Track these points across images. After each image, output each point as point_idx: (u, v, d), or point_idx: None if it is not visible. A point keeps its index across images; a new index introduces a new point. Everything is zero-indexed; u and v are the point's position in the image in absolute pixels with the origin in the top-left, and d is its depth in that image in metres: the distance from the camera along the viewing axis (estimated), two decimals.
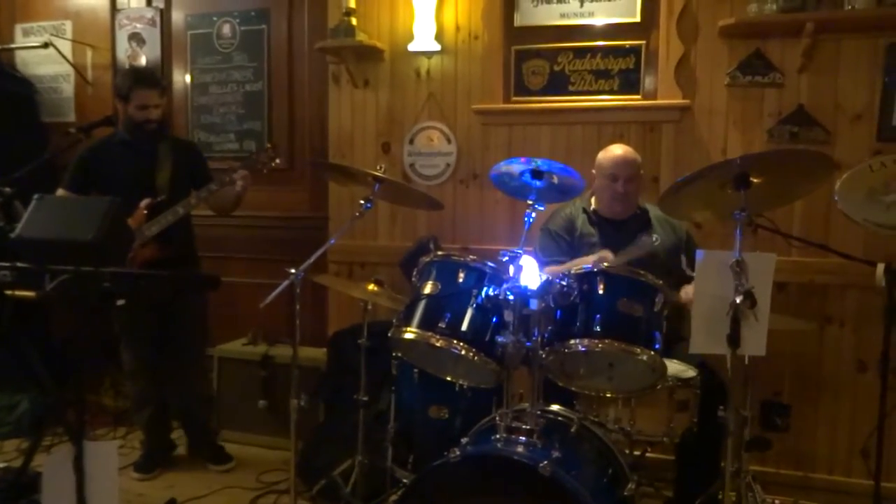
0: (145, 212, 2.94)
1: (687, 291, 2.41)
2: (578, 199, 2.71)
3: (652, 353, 1.95)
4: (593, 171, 2.71)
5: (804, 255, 2.88)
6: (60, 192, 3.02)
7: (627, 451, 2.29)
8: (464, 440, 2.02)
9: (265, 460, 3.34)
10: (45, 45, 4.16)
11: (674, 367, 2.20)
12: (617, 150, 2.68)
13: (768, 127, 3.00)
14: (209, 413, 3.47)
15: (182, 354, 3.22)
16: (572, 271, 2.03)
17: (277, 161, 3.13)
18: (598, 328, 1.96)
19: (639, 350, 1.95)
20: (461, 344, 2.03)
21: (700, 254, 1.91)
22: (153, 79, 3.10)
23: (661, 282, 2.03)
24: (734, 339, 1.78)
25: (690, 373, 2.22)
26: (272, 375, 3.47)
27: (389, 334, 2.17)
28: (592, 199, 2.76)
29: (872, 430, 2.51)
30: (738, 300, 1.76)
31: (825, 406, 3.01)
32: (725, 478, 1.94)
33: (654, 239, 2.65)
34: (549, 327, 2.00)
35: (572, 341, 1.97)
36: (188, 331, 3.22)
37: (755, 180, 1.89)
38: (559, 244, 2.70)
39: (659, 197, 2.25)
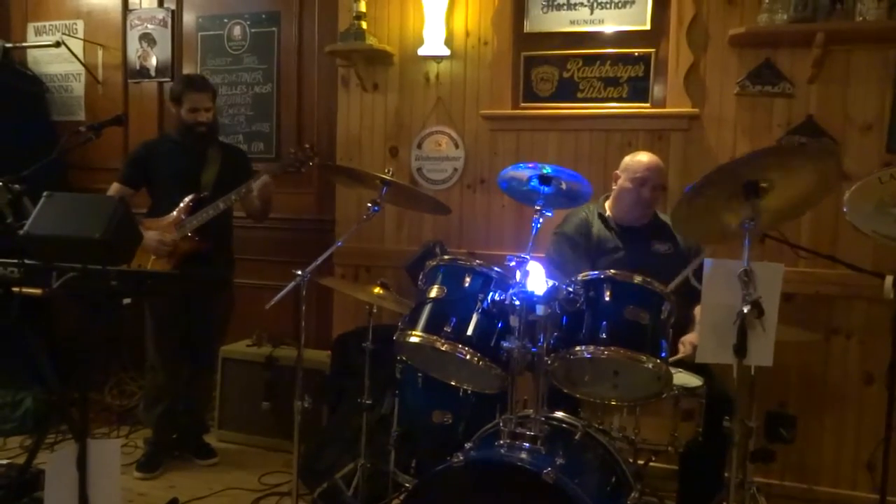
0: (191, 204, 3.08)
1: (684, 343, 2.38)
2: (592, 205, 2.70)
3: (658, 361, 1.94)
4: (616, 172, 2.68)
5: (812, 265, 2.87)
6: (115, 185, 3.18)
7: (631, 460, 2.27)
8: (467, 445, 2.01)
9: (267, 462, 3.33)
10: (57, 44, 4.19)
11: (679, 376, 2.19)
12: (643, 157, 2.65)
13: (777, 137, 2.99)
14: (206, 410, 3.53)
15: (202, 350, 3.32)
16: None
17: (315, 160, 3.20)
18: (603, 335, 1.94)
19: (644, 358, 1.93)
20: (466, 348, 2.02)
21: (708, 262, 1.90)
22: (204, 83, 3.21)
23: (668, 290, 2.02)
24: (741, 349, 1.77)
25: (696, 382, 2.20)
26: (276, 377, 3.47)
27: (394, 338, 2.17)
28: (607, 205, 2.74)
29: (878, 443, 2.49)
30: (745, 310, 1.75)
31: (831, 418, 3.00)
32: (729, 489, 1.92)
33: (667, 247, 2.63)
34: (555, 333, 1.99)
35: (578, 348, 1.96)
36: (212, 328, 3.33)
37: (763, 185, 1.87)
38: (575, 248, 2.66)
39: (668, 209, 2.24)
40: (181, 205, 3.09)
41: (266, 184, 3.09)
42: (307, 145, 3.22)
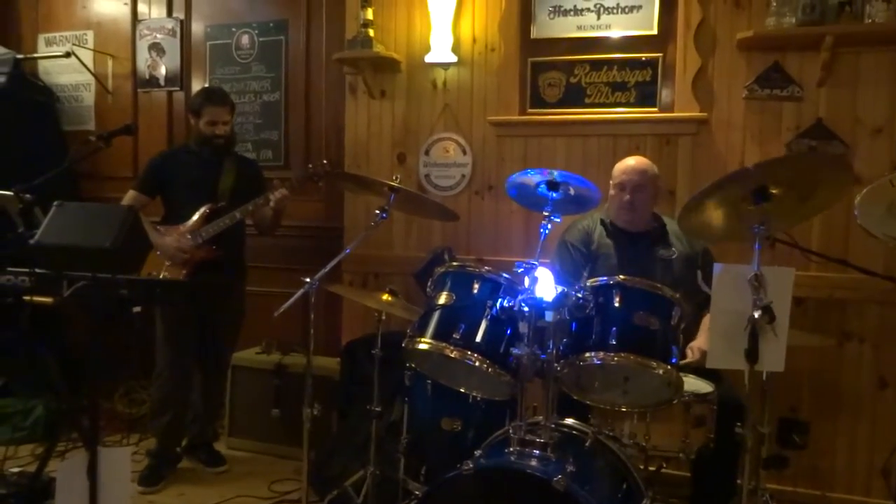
0: (207, 213, 3.11)
1: (692, 348, 2.37)
2: (597, 212, 2.70)
3: (668, 367, 1.93)
4: (611, 181, 2.70)
5: (823, 269, 2.84)
6: (131, 192, 3.21)
7: (642, 467, 2.25)
8: (477, 453, 2.00)
9: (277, 469, 3.33)
10: (67, 55, 4.23)
11: (690, 381, 2.17)
12: (629, 160, 2.67)
13: (787, 141, 2.98)
14: (217, 418, 3.54)
15: (213, 358, 3.34)
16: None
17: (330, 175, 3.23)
18: (613, 341, 1.93)
19: (655, 364, 1.92)
20: (475, 355, 2.02)
21: (718, 267, 1.89)
22: (224, 98, 3.24)
23: (678, 295, 2.01)
24: (752, 355, 1.76)
25: (707, 388, 2.19)
26: (285, 384, 3.48)
27: (403, 345, 2.17)
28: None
29: (893, 449, 2.47)
30: (756, 315, 1.74)
31: (844, 424, 2.97)
32: (742, 496, 1.91)
33: (671, 253, 2.63)
34: (565, 340, 1.98)
35: (587, 354, 1.95)
36: (223, 335, 3.34)
37: (774, 191, 1.87)
38: (573, 256, 2.69)
39: (676, 212, 2.23)
40: (197, 214, 3.11)
41: (284, 196, 3.11)
42: (325, 161, 3.23)
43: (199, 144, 3.21)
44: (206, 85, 4.04)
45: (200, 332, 3.23)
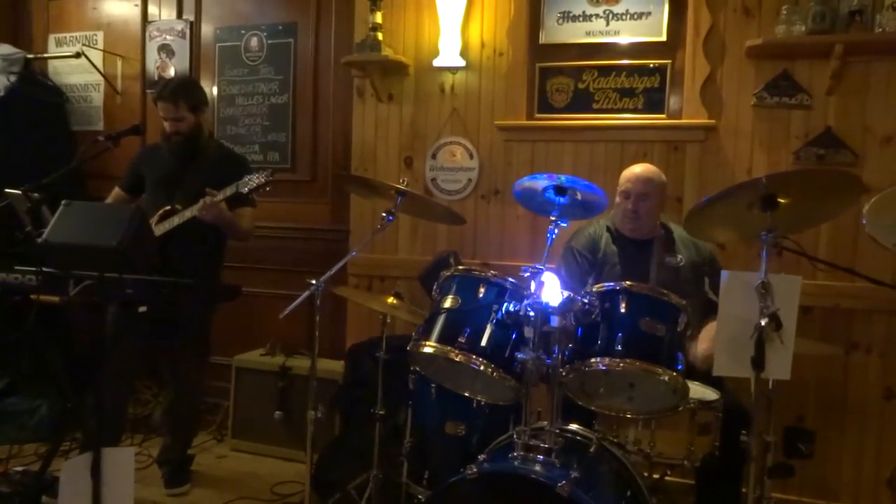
0: (162, 215, 2.91)
1: (696, 351, 2.35)
2: (603, 218, 2.69)
3: (674, 373, 1.92)
4: (618, 188, 2.70)
5: (830, 278, 2.83)
6: (115, 190, 3.16)
7: (647, 474, 2.25)
8: (481, 457, 1.99)
9: (280, 472, 3.33)
10: (77, 55, 4.26)
11: (696, 389, 2.16)
12: (636, 168, 2.66)
13: (795, 149, 2.97)
14: (182, 435, 3.24)
15: (174, 366, 3.13)
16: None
17: (268, 188, 2.86)
18: (619, 347, 1.92)
19: (660, 370, 1.91)
20: (480, 359, 2.00)
21: (725, 275, 1.88)
22: (171, 93, 2.96)
23: (684, 302, 2.01)
24: (758, 363, 1.75)
25: (713, 395, 2.18)
26: (289, 386, 3.48)
27: (408, 348, 2.16)
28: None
29: None
30: (763, 322, 1.73)
31: (851, 433, 2.95)
32: None
33: (678, 260, 2.62)
34: (570, 345, 1.97)
35: (593, 360, 1.94)
36: (182, 343, 3.07)
37: (782, 201, 1.86)
38: (580, 264, 2.68)
39: (683, 217, 2.23)
40: (154, 218, 2.90)
41: (202, 207, 2.79)
42: (269, 171, 2.84)
43: (164, 140, 3.05)
44: (215, 86, 4.07)
45: (155, 345, 3.02)
